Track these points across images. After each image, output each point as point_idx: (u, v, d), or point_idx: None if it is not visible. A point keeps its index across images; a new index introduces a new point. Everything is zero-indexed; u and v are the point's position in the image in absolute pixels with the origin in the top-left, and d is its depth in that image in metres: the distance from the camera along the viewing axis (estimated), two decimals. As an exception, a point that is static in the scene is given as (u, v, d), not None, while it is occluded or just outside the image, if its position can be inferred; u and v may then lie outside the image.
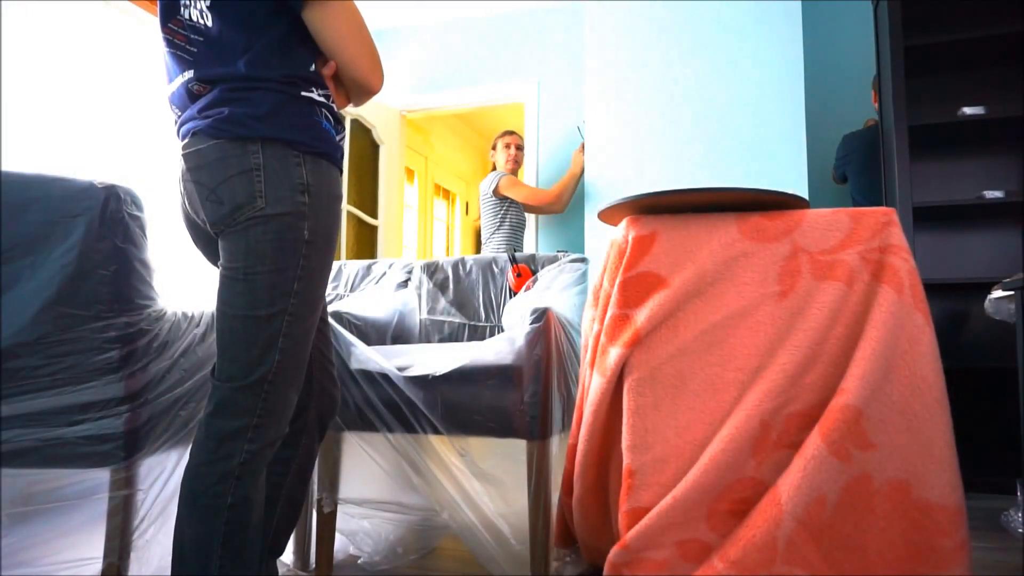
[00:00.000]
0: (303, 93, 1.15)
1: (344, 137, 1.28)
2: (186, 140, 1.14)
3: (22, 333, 1.14)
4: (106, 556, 1.17)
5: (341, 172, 1.23)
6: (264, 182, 1.09)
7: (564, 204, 3.66)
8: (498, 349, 1.55)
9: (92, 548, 1.18)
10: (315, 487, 1.71)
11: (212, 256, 1.22)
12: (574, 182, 3.64)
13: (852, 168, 2.93)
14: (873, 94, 2.98)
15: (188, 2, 1.16)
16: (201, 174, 1.11)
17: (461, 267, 2.22)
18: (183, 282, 2.10)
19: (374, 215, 3.94)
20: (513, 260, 2.10)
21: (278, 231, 1.09)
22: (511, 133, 3.63)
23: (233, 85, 1.12)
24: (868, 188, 2.79)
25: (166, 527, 1.34)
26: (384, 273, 2.28)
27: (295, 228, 1.10)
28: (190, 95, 1.16)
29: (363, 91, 1.25)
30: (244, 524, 1.18)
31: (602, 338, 1.27)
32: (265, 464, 1.24)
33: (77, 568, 1.18)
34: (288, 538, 1.36)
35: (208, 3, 1.13)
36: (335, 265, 2.34)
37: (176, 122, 1.19)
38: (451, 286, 2.21)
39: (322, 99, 1.19)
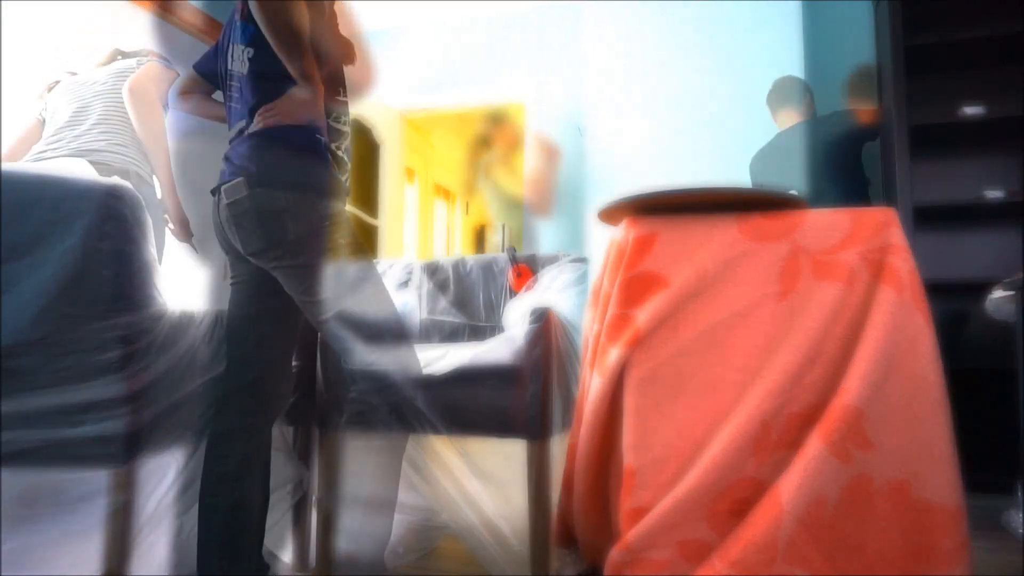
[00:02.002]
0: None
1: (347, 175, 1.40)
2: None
3: (24, 332, 1.14)
4: (106, 559, 1.17)
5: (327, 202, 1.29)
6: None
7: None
8: (498, 349, 1.55)
9: (92, 551, 1.17)
10: (315, 487, 1.70)
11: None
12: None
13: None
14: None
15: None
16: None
17: (461, 267, 2.22)
18: (183, 282, 2.10)
19: (374, 215, 3.94)
20: (513, 260, 2.10)
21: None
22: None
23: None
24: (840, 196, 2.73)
25: (167, 531, 1.34)
26: (384, 273, 2.28)
27: None
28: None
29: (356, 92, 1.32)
30: (242, 527, 1.20)
31: (602, 338, 1.27)
32: (261, 464, 1.25)
33: (77, 571, 1.17)
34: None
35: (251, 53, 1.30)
36: (335, 265, 2.33)
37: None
38: (451, 286, 2.21)
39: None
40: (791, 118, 2.76)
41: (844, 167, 2.55)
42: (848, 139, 2.58)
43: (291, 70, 1.22)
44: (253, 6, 1.13)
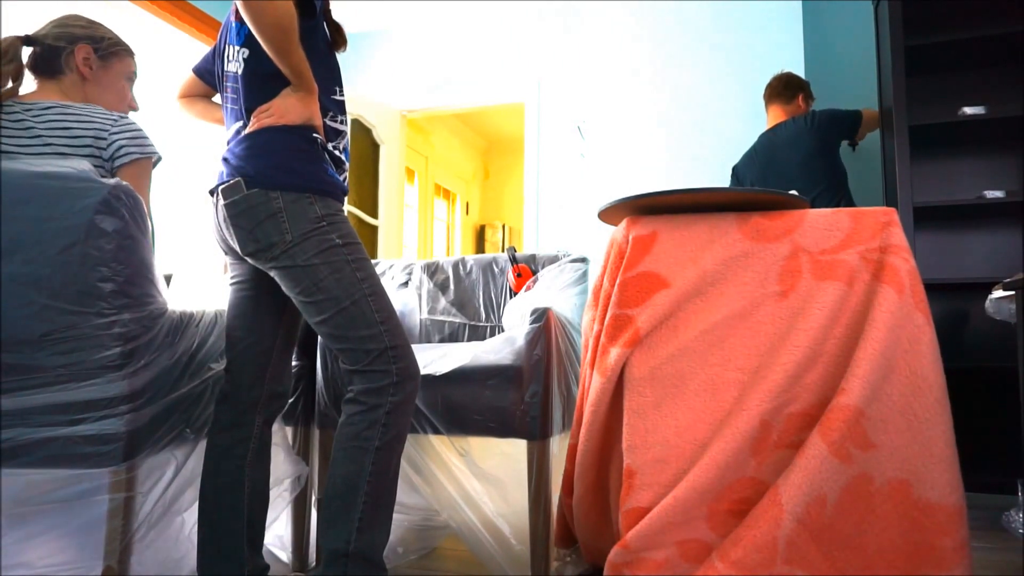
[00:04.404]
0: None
1: (346, 177, 1.41)
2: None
3: (24, 330, 1.14)
4: (105, 559, 1.17)
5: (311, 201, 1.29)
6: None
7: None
8: (498, 349, 1.55)
9: (91, 550, 1.17)
10: (315, 487, 1.71)
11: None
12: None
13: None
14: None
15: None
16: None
17: (461, 267, 2.22)
18: (184, 282, 2.10)
19: (374, 215, 3.94)
20: (513, 260, 2.10)
21: None
22: None
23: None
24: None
25: (166, 530, 1.34)
26: (384, 273, 2.28)
27: None
28: None
29: None
30: (241, 525, 1.24)
31: (602, 338, 1.27)
32: (260, 464, 1.28)
33: (76, 570, 1.17)
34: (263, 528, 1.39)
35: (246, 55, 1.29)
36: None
37: None
38: (451, 286, 2.21)
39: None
40: (776, 116, 2.75)
41: (809, 166, 2.52)
42: (808, 139, 2.54)
43: (283, 69, 1.21)
44: (240, 5, 1.13)
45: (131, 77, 1.50)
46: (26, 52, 1.39)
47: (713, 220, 1.26)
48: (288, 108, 1.25)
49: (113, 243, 1.17)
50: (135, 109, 1.53)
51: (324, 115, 1.33)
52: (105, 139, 1.32)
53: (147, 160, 1.36)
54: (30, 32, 1.40)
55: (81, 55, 1.41)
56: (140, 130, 1.37)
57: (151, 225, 1.37)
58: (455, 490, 1.63)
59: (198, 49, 3.47)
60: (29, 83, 1.40)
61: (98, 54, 1.43)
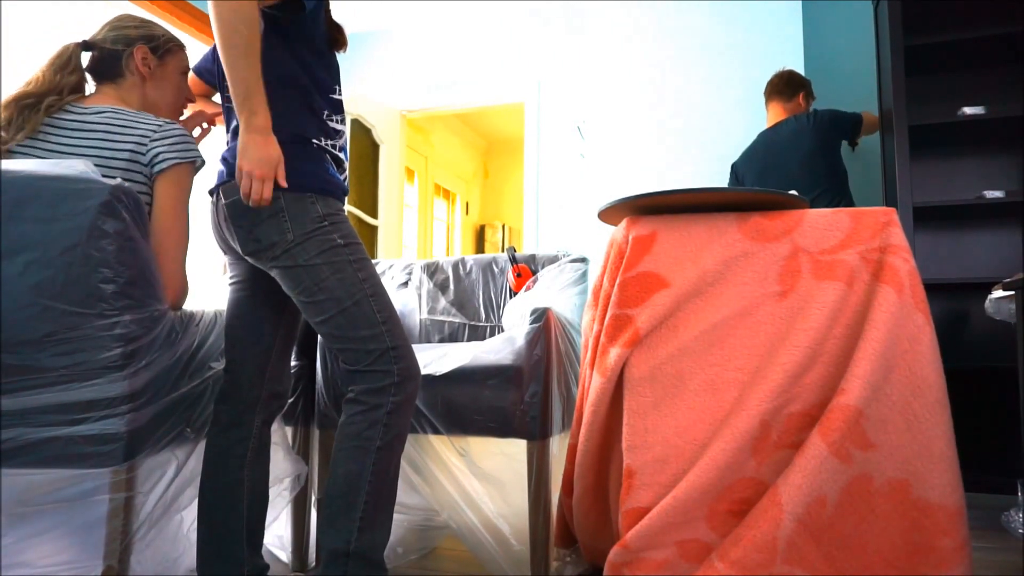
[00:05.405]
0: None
1: (346, 177, 1.40)
2: None
3: (25, 331, 1.14)
4: (106, 558, 1.17)
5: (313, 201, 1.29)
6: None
7: None
8: (498, 349, 1.56)
9: (92, 550, 1.17)
10: (315, 487, 1.71)
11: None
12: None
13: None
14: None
15: None
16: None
17: (461, 267, 2.23)
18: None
19: (374, 215, 3.94)
20: (513, 260, 2.10)
21: None
22: None
23: None
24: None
25: (166, 530, 1.34)
26: (384, 273, 2.28)
27: None
28: None
29: None
30: (241, 525, 1.23)
31: (602, 338, 1.27)
32: (259, 464, 1.28)
33: (76, 570, 1.17)
34: (262, 529, 1.39)
35: None
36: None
37: None
38: (451, 286, 2.21)
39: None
40: (776, 114, 2.75)
41: (810, 165, 2.52)
42: (810, 138, 2.54)
43: (229, 84, 1.16)
44: (208, 5, 1.12)
45: (185, 71, 1.51)
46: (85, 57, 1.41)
47: (713, 220, 1.26)
48: (252, 159, 1.15)
49: (115, 244, 1.17)
50: (192, 101, 1.54)
51: (322, 114, 1.33)
52: (145, 146, 1.32)
53: (187, 165, 1.35)
54: (87, 37, 1.41)
55: (139, 56, 1.41)
56: (182, 135, 1.36)
57: (188, 230, 1.37)
58: (455, 490, 1.63)
59: (198, 49, 3.47)
60: (88, 86, 1.43)
61: (155, 54, 1.44)
